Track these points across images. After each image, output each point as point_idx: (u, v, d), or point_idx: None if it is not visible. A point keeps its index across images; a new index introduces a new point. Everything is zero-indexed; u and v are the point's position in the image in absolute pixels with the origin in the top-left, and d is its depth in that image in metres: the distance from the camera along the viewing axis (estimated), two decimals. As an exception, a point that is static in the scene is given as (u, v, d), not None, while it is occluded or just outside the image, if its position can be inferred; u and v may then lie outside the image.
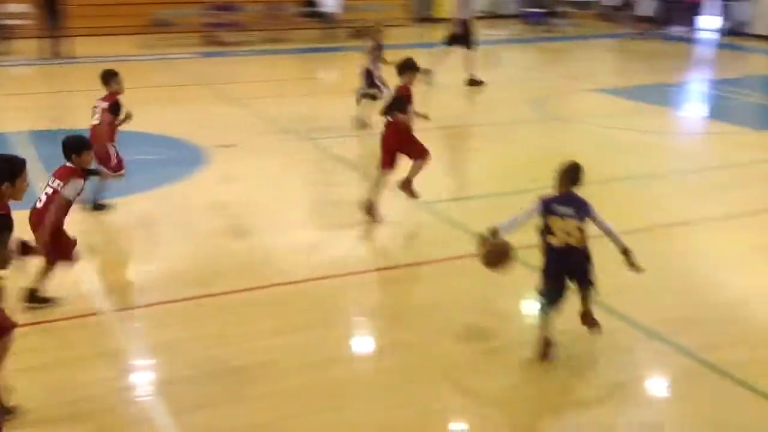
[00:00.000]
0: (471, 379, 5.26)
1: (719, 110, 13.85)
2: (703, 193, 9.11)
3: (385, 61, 11.58)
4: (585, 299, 5.59)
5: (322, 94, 14.62)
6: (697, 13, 22.35)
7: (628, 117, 13.13)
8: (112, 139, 8.24)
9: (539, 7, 24.64)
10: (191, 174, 9.60)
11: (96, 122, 8.21)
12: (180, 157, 10.40)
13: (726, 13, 21.77)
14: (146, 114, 12.81)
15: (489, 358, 5.53)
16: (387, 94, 10.52)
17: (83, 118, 8.69)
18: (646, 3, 22.42)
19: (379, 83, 11.55)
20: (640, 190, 9.10)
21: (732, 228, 7.95)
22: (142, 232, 7.97)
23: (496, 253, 5.42)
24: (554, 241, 5.27)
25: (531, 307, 5.95)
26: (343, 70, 15.30)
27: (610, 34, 22.56)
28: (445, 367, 5.36)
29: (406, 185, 8.25)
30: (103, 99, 8.36)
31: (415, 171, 8.15)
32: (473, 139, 11.85)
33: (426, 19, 24.85)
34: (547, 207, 5.31)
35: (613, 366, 5.43)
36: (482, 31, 22.20)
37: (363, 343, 5.97)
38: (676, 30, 22.70)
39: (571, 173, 5.39)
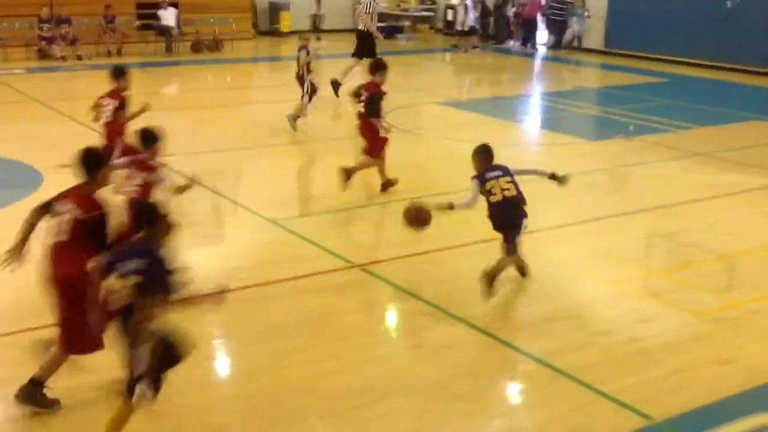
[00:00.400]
0: (321, 402, 5.19)
1: (555, 122, 14.50)
2: (544, 202, 9.41)
3: (308, 69, 12.37)
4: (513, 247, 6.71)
5: (164, 111, 14.16)
6: (534, 29, 23.35)
7: (471, 129, 13.50)
8: (121, 134, 8.40)
9: (383, 22, 25.04)
10: (25, 197, 9.02)
11: (108, 119, 8.52)
12: (13, 180, 9.79)
13: (561, 28, 22.90)
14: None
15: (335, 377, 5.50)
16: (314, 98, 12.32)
17: None
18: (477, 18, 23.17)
19: (309, 87, 12.36)
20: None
21: (573, 235, 8.32)
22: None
23: (417, 217, 6.69)
24: (494, 199, 6.64)
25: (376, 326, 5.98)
26: (183, 85, 14.94)
27: (451, 48, 23.22)
28: (298, 391, 5.28)
29: (348, 173, 9.07)
30: (110, 96, 8.59)
31: (362, 165, 9.13)
32: (324, 153, 11.82)
33: (270, 32, 24.71)
34: (483, 178, 6.67)
35: (462, 375, 5.52)
36: (335, 45, 22.47)
37: (215, 368, 5.78)
38: (515, 45, 23.64)
39: (485, 152, 6.84)
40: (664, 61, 19.37)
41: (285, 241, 7.97)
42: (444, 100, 15.15)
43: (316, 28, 23.35)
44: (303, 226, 8.33)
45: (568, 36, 22.30)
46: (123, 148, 7.33)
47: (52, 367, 4.91)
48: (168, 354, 4.31)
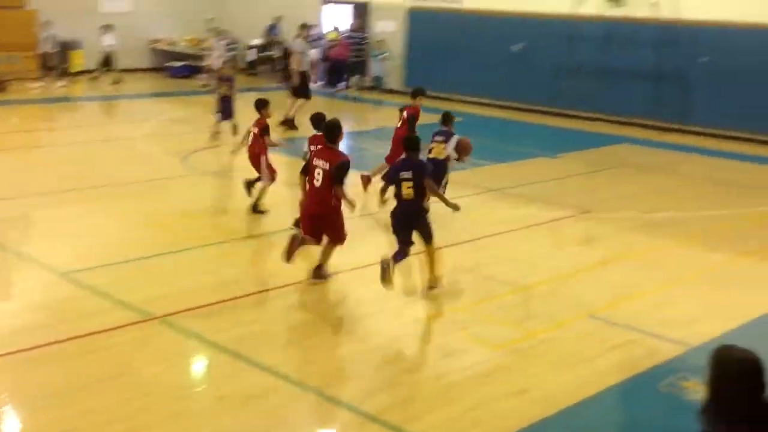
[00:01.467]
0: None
1: (358, 161, 14.69)
2: (350, 242, 9.52)
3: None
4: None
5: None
6: (342, 71, 23.74)
7: (280, 171, 13.48)
8: (264, 153, 10.12)
9: (183, 62, 24.61)
10: None
11: (249, 143, 10.24)
12: None
13: (363, 70, 23.46)
14: None
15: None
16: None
17: None
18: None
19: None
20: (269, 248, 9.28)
21: (377, 274, 8.39)
22: None
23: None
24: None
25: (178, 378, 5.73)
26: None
27: (257, 88, 23.10)
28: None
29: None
30: (255, 124, 10.29)
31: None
32: (121, 198, 11.31)
33: (60, 72, 23.54)
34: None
35: (269, 426, 5.38)
36: (131, 86, 21.75)
37: (2, 440, 5.31)
38: (322, 86, 23.94)
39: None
40: (458, 101, 20.27)
41: (78, 296, 7.50)
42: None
43: (107, 67, 22.40)
44: (97, 278, 7.89)
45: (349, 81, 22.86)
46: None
47: (326, 256, 7.85)
48: None
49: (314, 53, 23.88)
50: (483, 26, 20.04)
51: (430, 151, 9.69)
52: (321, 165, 7.66)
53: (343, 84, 23.60)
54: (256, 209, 10.23)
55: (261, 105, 10.57)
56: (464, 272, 8.67)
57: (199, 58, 24.66)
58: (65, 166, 12.80)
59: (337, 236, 7.92)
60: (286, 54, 24.06)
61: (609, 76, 18.68)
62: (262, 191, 10.24)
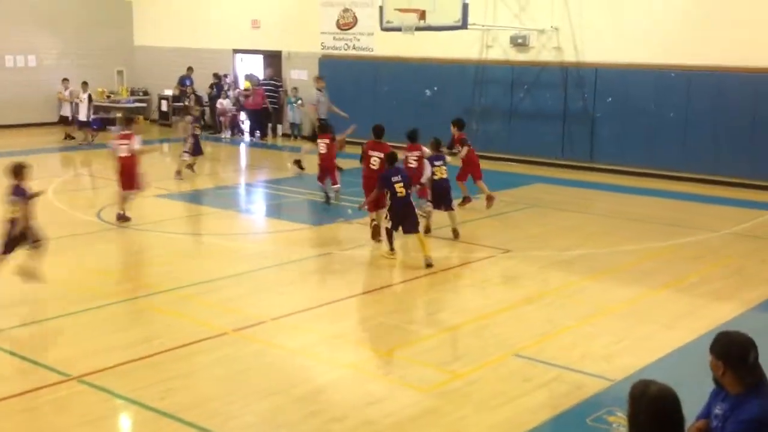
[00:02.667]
0: None
1: (277, 209, 14.70)
2: (273, 291, 9.49)
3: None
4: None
5: None
6: (259, 119, 23.71)
7: (194, 221, 13.34)
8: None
9: (96, 114, 24.17)
10: None
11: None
12: None
13: (279, 118, 23.54)
14: None
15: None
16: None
17: None
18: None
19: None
20: (212, 295, 9.15)
21: (303, 321, 8.36)
22: None
23: None
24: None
25: None
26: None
27: (172, 138, 22.85)
28: None
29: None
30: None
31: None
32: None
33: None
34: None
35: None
36: (40, 139, 21.21)
37: None
38: (226, 136, 23.83)
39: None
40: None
41: (-8, 359, 7.22)
42: (161, 192, 14.79)
43: None
44: (11, 338, 7.63)
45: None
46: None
47: (376, 233, 11.25)
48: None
49: (227, 103, 23.86)
50: (395, 72, 20.38)
51: (434, 174, 11.57)
52: (376, 155, 11.38)
53: (261, 132, 23.60)
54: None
55: None
56: (388, 316, 8.69)
57: (110, 110, 24.35)
58: None
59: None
60: (199, 104, 24.02)
61: (517, 118, 19.21)
62: None
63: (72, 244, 11.36)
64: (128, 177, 12.30)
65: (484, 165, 18.47)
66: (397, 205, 10.36)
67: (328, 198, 14.16)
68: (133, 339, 7.75)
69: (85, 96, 21.45)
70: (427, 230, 11.75)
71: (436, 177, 11.61)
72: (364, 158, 11.90)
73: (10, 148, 20.33)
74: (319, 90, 18.46)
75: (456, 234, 11.64)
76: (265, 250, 11.70)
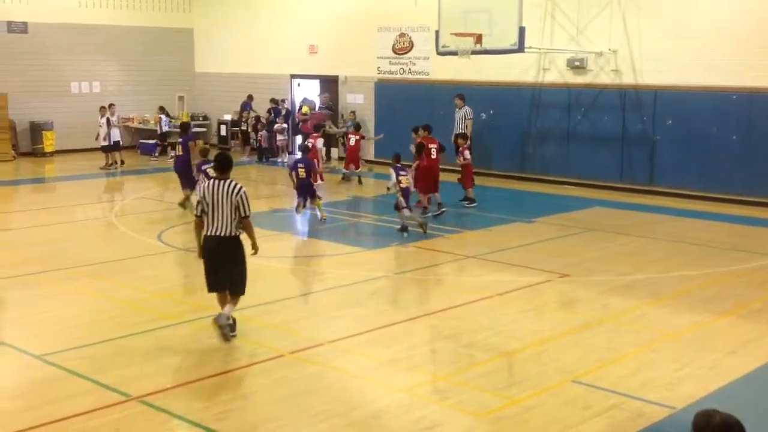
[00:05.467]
0: None
1: (333, 232, 14.76)
2: (328, 314, 9.52)
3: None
4: None
5: None
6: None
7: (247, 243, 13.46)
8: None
9: (153, 140, 24.73)
10: None
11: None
12: None
13: (334, 142, 23.71)
14: None
15: None
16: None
17: None
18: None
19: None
20: (269, 318, 9.23)
21: (358, 345, 8.36)
22: None
23: None
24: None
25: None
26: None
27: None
28: None
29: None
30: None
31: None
32: (94, 278, 11.20)
33: (32, 153, 23.58)
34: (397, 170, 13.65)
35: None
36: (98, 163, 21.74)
37: None
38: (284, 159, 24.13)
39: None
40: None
41: (55, 379, 7.37)
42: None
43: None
44: (73, 359, 7.77)
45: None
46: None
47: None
48: None
49: (284, 127, 24.18)
50: (450, 95, 20.38)
51: (400, 182, 13.58)
52: (433, 146, 15.02)
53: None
54: None
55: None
56: (444, 340, 8.66)
57: (170, 134, 24.86)
58: (38, 247, 12.70)
59: None
60: (256, 129, 24.39)
61: (575, 141, 19.05)
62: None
63: (133, 266, 11.58)
64: None
65: (542, 188, 18.39)
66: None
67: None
68: (192, 360, 7.86)
69: (103, 120, 21.78)
70: (404, 229, 13.61)
71: (402, 185, 13.63)
72: (423, 150, 14.87)
73: (73, 173, 20.93)
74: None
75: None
76: (320, 272, 11.77)
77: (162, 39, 26.44)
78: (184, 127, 16.84)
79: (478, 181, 17.65)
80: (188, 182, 15.07)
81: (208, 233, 8.17)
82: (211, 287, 8.37)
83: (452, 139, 17.67)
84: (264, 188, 19.37)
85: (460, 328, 8.93)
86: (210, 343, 8.42)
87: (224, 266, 8.20)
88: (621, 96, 18.18)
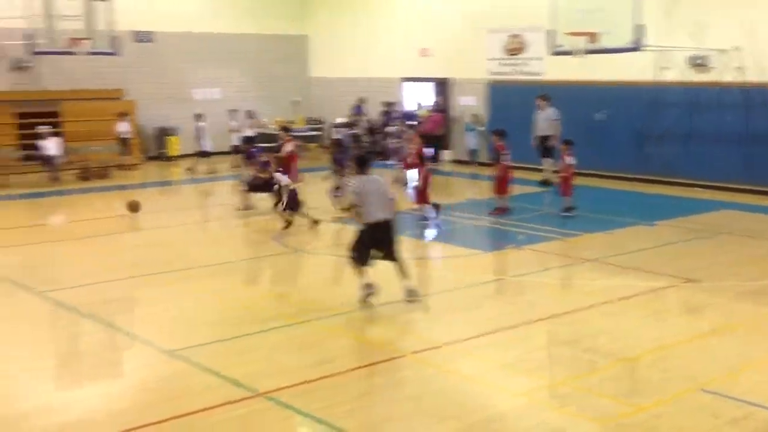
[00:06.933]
0: None
1: (448, 234, 14.79)
2: (447, 316, 9.54)
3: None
4: None
5: (51, 242, 13.77)
6: (434, 145, 24.04)
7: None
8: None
9: (272, 143, 25.30)
10: None
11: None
12: None
13: (448, 144, 23.79)
14: None
15: None
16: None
17: None
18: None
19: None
20: (390, 318, 9.34)
21: (475, 348, 8.34)
22: None
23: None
24: None
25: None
26: (70, 215, 14.58)
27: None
28: None
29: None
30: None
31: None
32: (217, 278, 11.61)
33: (158, 157, 24.59)
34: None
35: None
36: (224, 167, 22.46)
37: None
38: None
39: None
40: (541, 170, 20.18)
41: (183, 374, 7.68)
42: (337, 217, 15.21)
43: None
44: (200, 355, 8.06)
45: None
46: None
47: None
48: None
49: (396, 130, 24.38)
50: (564, 96, 20.07)
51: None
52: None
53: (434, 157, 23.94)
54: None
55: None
56: (563, 345, 8.54)
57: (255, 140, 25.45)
58: (164, 249, 13.24)
59: None
60: (371, 132, 24.69)
61: (695, 141, 18.40)
62: None
63: (254, 267, 11.94)
64: None
65: (663, 190, 17.85)
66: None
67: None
68: (315, 358, 8.02)
69: (202, 125, 22.45)
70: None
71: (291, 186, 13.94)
72: (501, 155, 14.91)
73: (196, 176, 21.72)
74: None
75: None
76: (438, 275, 11.81)
77: (278, 46, 27.14)
78: (251, 139, 17.45)
79: (593, 182, 17.33)
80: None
81: (371, 220, 9.41)
82: (365, 262, 9.56)
83: (533, 141, 17.41)
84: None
85: (579, 332, 8.79)
86: (332, 341, 8.60)
87: (386, 244, 9.52)
88: (744, 94, 17.44)
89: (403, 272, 9.67)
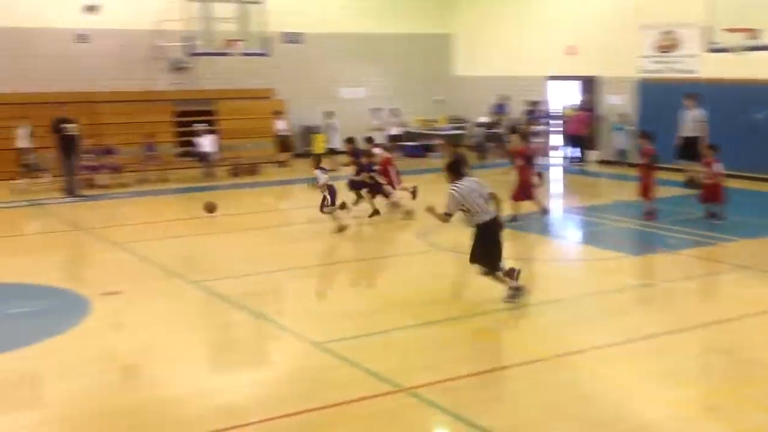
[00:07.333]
0: None
1: (594, 236, 14.47)
2: (593, 320, 9.34)
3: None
4: None
5: (206, 234, 14.43)
6: (579, 144, 23.65)
7: (511, 246, 13.49)
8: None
9: (414, 141, 25.57)
10: (74, 325, 9.10)
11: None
12: (61, 308, 9.89)
13: (594, 144, 23.27)
14: (21, 263, 12.31)
15: None
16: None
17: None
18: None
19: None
20: (533, 319, 9.24)
21: (624, 354, 8.12)
22: (28, 390, 7.50)
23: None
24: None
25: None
26: (224, 209, 15.23)
27: (485, 165, 23.50)
28: None
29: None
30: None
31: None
32: (364, 273, 11.84)
33: (305, 154, 25.27)
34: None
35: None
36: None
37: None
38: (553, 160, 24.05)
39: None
40: (695, 172, 19.33)
41: (330, 365, 7.87)
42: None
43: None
44: (347, 349, 8.23)
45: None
46: None
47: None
48: None
49: (541, 130, 24.11)
50: (720, 95, 19.16)
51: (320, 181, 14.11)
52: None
53: (579, 158, 23.52)
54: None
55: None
56: (716, 354, 8.19)
57: (430, 137, 25.63)
58: (311, 243, 13.60)
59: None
60: (513, 131, 24.47)
61: None
62: None
63: (398, 263, 12.07)
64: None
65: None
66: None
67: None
68: (458, 356, 8.04)
69: (392, 120, 22.73)
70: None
71: (329, 183, 13.90)
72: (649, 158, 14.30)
73: (339, 173, 22.18)
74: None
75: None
76: (583, 277, 11.57)
77: (422, 44, 27.34)
78: (396, 137, 17.62)
79: (750, 185, 16.45)
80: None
81: (480, 221, 9.43)
82: (497, 264, 9.58)
83: (677, 141, 16.68)
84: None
85: (736, 342, 8.39)
86: (475, 340, 8.60)
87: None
88: None
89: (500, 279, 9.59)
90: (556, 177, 22.55)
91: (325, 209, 13.98)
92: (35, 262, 12.54)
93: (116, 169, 20.38)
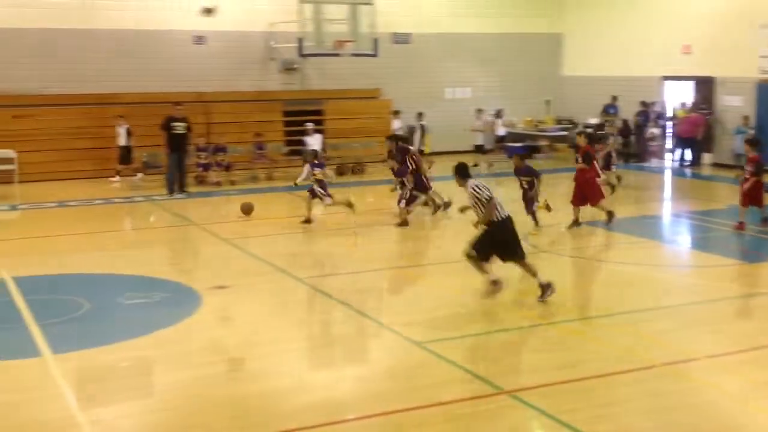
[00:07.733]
0: None
1: (706, 242, 13.95)
2: (704, 328, 9.01)
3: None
4: None
5: (311, 232, 14.67)
6: (690, 147, 22.91)
7: (619, 250, 13.20)
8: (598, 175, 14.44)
9: (520, 142, 25.24)
10: (185, 318, 9.41)
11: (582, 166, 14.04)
12: (173, 300, 10.24)
13: (707, 147, 22.48)
14: (135, 256, 12.81)
15: None
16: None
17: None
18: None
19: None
20: (640, 326, 8.98)
21: (734, 365, 7.81)
22: (139, 379, 7.79)
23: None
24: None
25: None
26: (328, 208, 15.44)
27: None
28: None
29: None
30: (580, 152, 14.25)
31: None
32: (466, 274, 11.74)
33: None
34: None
35: None
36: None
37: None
38: (656, 162, 23.33)
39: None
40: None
41: (430, 365, 7.87)
42: (588, 219, 14.84)
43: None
44: (448, 348, 8.21)
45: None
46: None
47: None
48: None
49: (656, 131, 23.43)
50: None
51: (314, 176, 14.77)
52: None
53: (691, 161, 22.75)
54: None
55: None
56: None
57: (537, 138, 25.26)
58: (415, 242, 13.64)
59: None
60: (624, 132, 23.86)
61: None
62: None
63: (499, 266, 11.92)
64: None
65: None
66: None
67: None
68: (559, 361, 7.91)
69: (498, 121, 22.49)
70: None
71: (318, 177, 14.69)
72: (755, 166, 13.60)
73: (443, 173, 22.12)
74: None
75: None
76: (694, 284, 11.16)
77: (529, 44, 26.96)
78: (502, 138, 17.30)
79: None
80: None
81: (498, 218, 9.57)
82: (487, 258, 9.66)
83: None
84: (632, 193, 18.81)
85: None
86: (577, 345, 8.43)
87: (513, 241, 9.75)
88: None
89: (531, 270, 9.72)
90: (665, 180, 21.86)
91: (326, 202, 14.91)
92: (149, 255, 13.01)
93: (227, 167, 20.94)
